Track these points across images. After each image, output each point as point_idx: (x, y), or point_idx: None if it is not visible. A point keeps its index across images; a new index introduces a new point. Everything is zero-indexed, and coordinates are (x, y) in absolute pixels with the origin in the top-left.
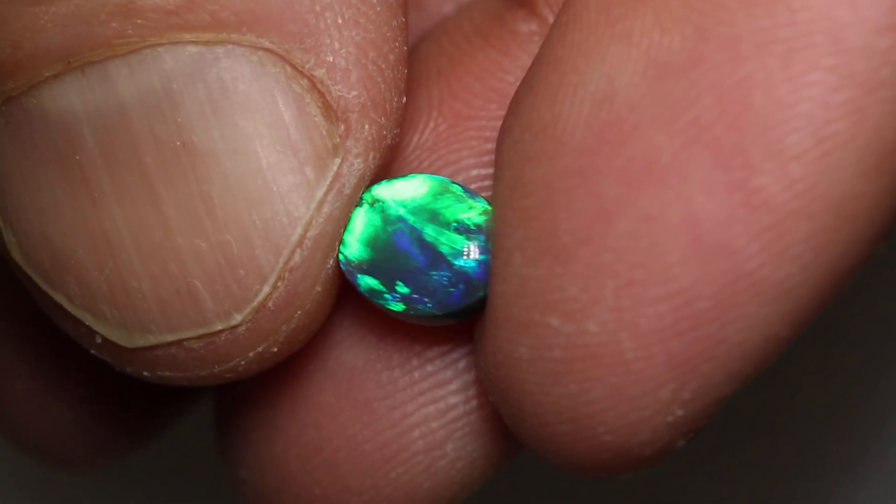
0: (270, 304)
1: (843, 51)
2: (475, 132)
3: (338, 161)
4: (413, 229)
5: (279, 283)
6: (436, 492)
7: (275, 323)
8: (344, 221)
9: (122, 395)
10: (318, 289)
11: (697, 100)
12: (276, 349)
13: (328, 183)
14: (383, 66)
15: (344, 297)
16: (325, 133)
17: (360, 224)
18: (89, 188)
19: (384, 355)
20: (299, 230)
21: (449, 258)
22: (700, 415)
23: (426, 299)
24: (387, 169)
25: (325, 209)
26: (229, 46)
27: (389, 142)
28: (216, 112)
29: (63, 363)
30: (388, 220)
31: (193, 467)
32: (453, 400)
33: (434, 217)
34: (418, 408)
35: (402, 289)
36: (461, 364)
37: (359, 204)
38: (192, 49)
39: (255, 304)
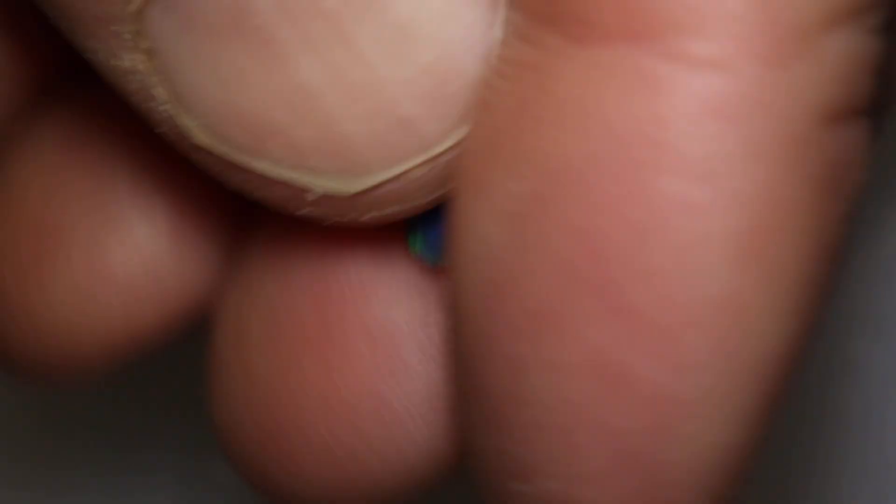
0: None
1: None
2: None
3: None
4: None
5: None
6: None
7: None
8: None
9: (108, 300)
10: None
11: (553, 240)
12: None
13: None
14: None
15: (390, 254)
16: None
17: None
18: (275, 49)
19: (426, 316)
20: (498, 33)
21: None
22: None
23: None
24: None
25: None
26: None
27: None
28: None
29: (54, 246)
30: None
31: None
32: None
33: None
34: None
35: None
36: None
37: None
38: None
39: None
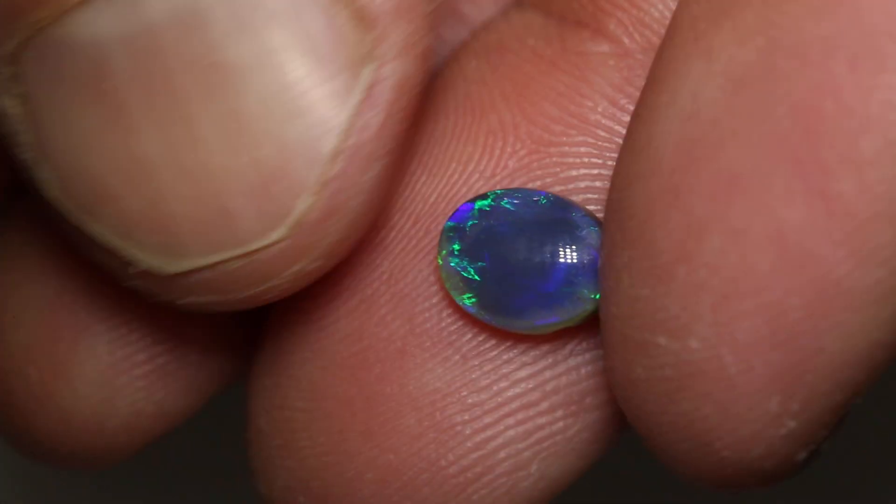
0: (309, 217)
1: None
2: (558, 158)
3: (371, 68)
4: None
5: (317, 197)
6: None
7: (314, 237)
8: (384, 131)
9: (134, 379)
10: (358, 200)
11: (773, 110)
12: (315, 265)
13: (362, 91)
14: None
15: (425, 318)
16: (355, 41)
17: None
18: (123, 114)
19: (470, 377)
20: (335, 141)
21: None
22: (815, 426)
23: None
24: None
25: (362, 118)
26: None
27: (423, 49)
28: (246, 27)
29: (77, 345)
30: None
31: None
32: (541, 421)
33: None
34: (505, 430)
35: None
36: (549, 386)
37: None
38: None
39: (293, 219)
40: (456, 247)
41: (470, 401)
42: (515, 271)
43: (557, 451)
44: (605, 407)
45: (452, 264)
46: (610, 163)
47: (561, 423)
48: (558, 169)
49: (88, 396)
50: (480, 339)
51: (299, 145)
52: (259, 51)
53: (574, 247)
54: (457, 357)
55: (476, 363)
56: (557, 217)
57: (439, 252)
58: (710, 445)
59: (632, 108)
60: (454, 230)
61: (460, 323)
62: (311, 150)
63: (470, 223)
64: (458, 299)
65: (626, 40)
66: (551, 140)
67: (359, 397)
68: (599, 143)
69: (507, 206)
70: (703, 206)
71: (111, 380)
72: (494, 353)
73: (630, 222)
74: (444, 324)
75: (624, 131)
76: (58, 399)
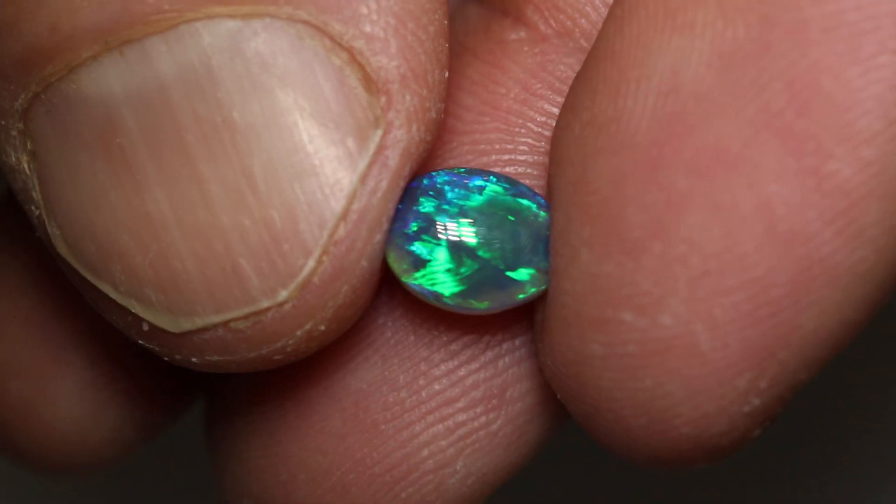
0: (316, 279)
1: None
2: (469, 146)
3: (380, 132)
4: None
5: (324, 258)
6: None
7: (321, 298)
8: (392, 195)
9: (115, 394)
10: (365, 264)
11: (766, 87)
12: (323, 327)
13: (371, 155)
14: (423, 38)
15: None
16: (365, 105)
17: None
18: (131, 171)
19: (390, 376)
20: (343, 202)
21: None
22: (776, 403)
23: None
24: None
25: (370, 181)
26: (267, 20)
27: (434, 115)
28: (256, 87)
29: (59, 360)
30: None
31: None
32: (461, 417)
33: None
34: (427, 427)
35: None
36: (468, 381)
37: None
38: (229, 24)
39: (300, 279)
40: (410, 229)
41: (390, 399)
42: (473, 252)
43: (482, 447)
44: (527, 397)
45: (406, 246)
46: (523, 147)
47: (483, 418)
48: (470, 157)
49: (70, 412)
50: (399, 337)
51: (307, 206)
52: (269, 110)
53: (528, 226)
54: (376, 357)
55: (395, 362)
56: (509, 195)
57: (389, 235)
58: (669, 422)
59: (546, 93)
60: (403, 212)
61: (379, 322)
62: (319, 211)
63: (421, 205)
64: (410, 280)
65: (541, 26)
66: (464, 129)
67: (289, 401)
68: (511, 128)
69: (456, 184)
70: (684, 181)
71: (92, 396)
72: (412, 350)
73: (592, 197)
74: (362, 324)
75: (538, 116)
76: (40, 414)
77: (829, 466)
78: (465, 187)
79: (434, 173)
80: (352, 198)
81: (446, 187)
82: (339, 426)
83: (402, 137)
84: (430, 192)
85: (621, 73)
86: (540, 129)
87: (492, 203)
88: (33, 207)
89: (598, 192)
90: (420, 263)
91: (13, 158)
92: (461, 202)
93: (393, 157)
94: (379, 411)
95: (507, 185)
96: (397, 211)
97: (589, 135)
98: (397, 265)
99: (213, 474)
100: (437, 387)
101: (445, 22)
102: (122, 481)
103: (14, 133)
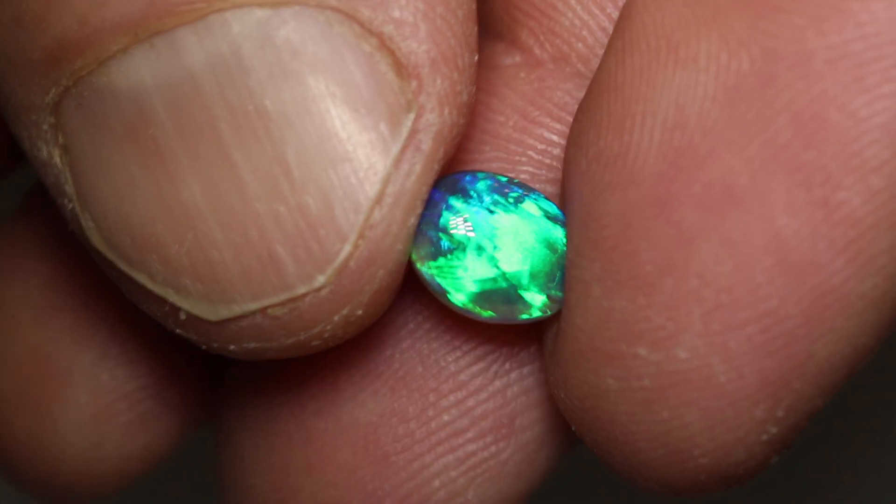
0: (352, 263)
1: None
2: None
3: (412, 116)
4: None
5: (360, 242)
6: None
7: (358, 283)
8: (425, 179)
9: (118, 426)
10: (400, 247)
11: (772, 120)
12: (360, 311)
13: (404, 139)
14: (452, 21)
15: (351, 346)
16: (397, 89)
17: None
18: (165, 162)
19: (399, 408)
20: (378, 186)
21: None
22: (792, 430)
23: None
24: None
25: (404, 165)
26: (296, 7)
27: (465, 98)
28: (287, 75)
29: (61, 394)
30: None
31: None
32: (471, 447)
33: None
34: (437, 458)
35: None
36: (477, 411)
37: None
38: (258, 12)
39: (336, 264)
40: (443, 219)
41: (400, 431)
42: (495, 262)
43: (492, 476)
44: (536, 426)
45: (429, 232)
46: (524, 176)
47: (493, 448)
48: None
49: (75, 444)
50: (407, 368)
51: (342, 191)
52: (301, 97)
53: (551, 255)
54: (385, 389)
55: (404, 393)
56: (544, 219)
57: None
58: (687, 453)
59: (545, 120)
60: (436, 202)
61: (387, 354)
62: (354, 196)
63: (458, 200)
64: (424, 267)
65: (536, 50)
66: (464, 157)
67: (298, 433)
68: (512, 157)
69: (489, 192)
70: (693, 216)
71: (96, 427)
72: (421, 381)
73: (603, 232)
74: (370, 356)
75: (538, 144)
76: (44, 447)
77: (835, 484)
78: (505, 196)
79: (478, 173)
80: (386, 182)
81: (486, 190)
82: (350, 459)
83: (434, 121)
84: (470, 190)
85: (626, 107)
86: (540, 157)
87: (526, 219)
88: (66, 201)
89: (608, 227)
90: (439, 254)
91: (45, 153)
92: (496, 209)
93: (426, 141)
94: (389, 443)
95: (544, 207)
96: (431, 197)
97: (596, 170)
98: (416, 250)
99: None
100: (446, 417)
101: (474, 6)
102: None
103: (45, 127)
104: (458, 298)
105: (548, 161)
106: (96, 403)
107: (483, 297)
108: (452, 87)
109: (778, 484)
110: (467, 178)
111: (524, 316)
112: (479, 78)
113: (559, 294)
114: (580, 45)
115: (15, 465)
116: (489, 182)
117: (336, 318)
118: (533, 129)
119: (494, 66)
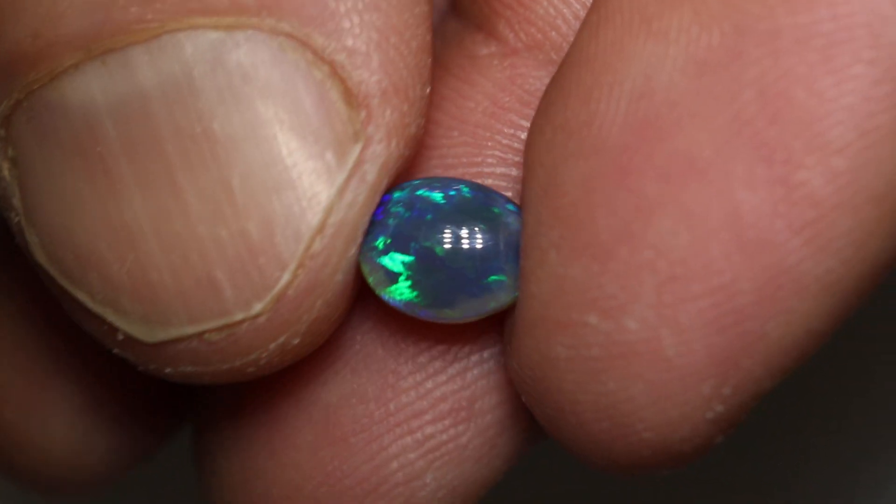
0: (291, 291)
1: (883, 44)
2: (437, 160)
3: (359, 147)
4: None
5: (299, 271)
6: None
7: (295, 312)
8: (367, 209)
9: (107, 418)
10: (339, 277)
11: (738, 95)
12: (297, 340)
13: (349, 168)
14: (405, 52)
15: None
16: (345, 119)
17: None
18: (111, 179)
19: (359, 389)
20: (320, 216)
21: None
22: (739, 410)
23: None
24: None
25: (348, 195)
26: (249, 32)
27: (414, 131)
28: (236, 98)
29: (48, 386)
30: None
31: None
32: (429, 430)
33: None
34: (395, 439)
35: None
36: (435, 394)
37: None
38: (212, 35)
39: (275, 292)
40: (379, 243)
41: (360, 412)
42: (443, 262)
43: (452, 459)
44: (496, 409)
45: (378, 259)
46: (490, 160)
47: (451, 430)
48: (438, 170)
49: (62, 437)
50: (368, 350)
51: (284, 218)
52: (249, 122)
53: (499, 233)
54: (346, 370)
55: (364, 375)
56: (480, 204)
57: (361, 248)
58: (631, 427)
59: (516, 105)
60: (374, 225)
61: (348, 335)
62: (296, 224)
63: (391, 217)
64: (384, 293)
65: (512, 40)
66: (432, 143)
67: (264, 417)
68: (479, 141)
69: (425, 195)
70: (654, 186)
71: (83, 420)
72: (381, 363)
73: (563, 199)
74: (332, 337)
75: (506, 128)
76: (33, 440)
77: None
78: (435, 197)
79: (406, 184)
80: (329, 211)
81: (415, 198)
82: (311, 440)
83: (381, 152)
84: (401, 204)
85: (595, 77)
86: (508, 142)
87: (462, 211)
88: (13, 215)
89: (568, 195)
90: (392, 276)
91: None
92: (430, 212)
93: (371, 172)
94: (349, 424)
95: (477, 193)
96: (370, 223)
97: (560, 139)
98: (371, 278)
99: (200, 492)
100: (404, 399)
101: (429, 37)
102: (118, 499)
103: None
104: (425, 310)
105: (515, 145)
106: (85, 395)
107: (446, 300)
108: (402, 118)
109: (730, 469)
110: (395, 194)
111: (492, 304)
112: (455, 66)
113: (517, 273)
114: (554, 33)
115: (3, 457)
116: (417, 190)
117: (272, 345)
118: (502, 115)
119: (470, 56)
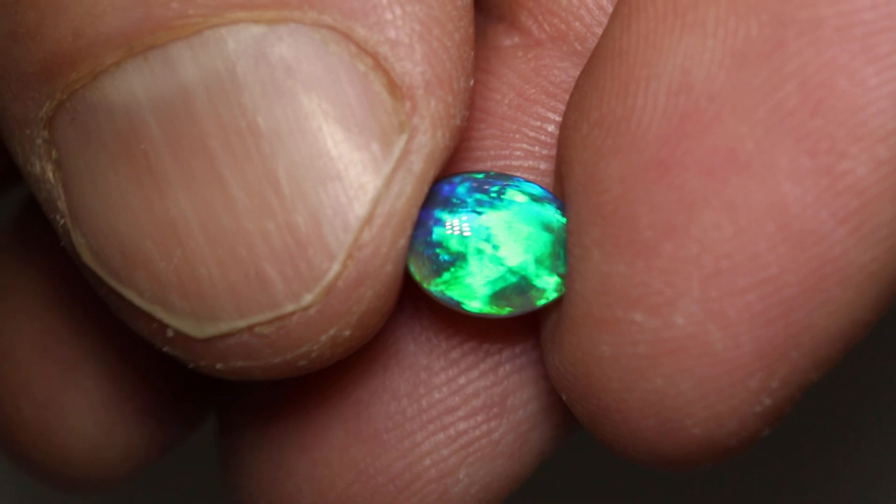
0: (340, 283)
1: None
2: (465, 153)
3: (404, 137)
4: None
5: (349, 262)
6: None
7: (345, 303)
8: (416, 200)
9: (127, 413)
10: (389, 269)
11: (779, 86)
12: (348, 332)
13: (396, 159)
14: (448, 44)
15: None
16: (390, 110)
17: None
18: (155, 177)
19: (390, 385)
20: (367, 206)
21: None
22: (786, 403)
23: None
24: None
25: (395, 186)
26: (292, 25)
27: (458, 122)
28: (280, 92)
29: (69, 380)
30: None
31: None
32: (462, 426)
33: None
34: (428, 436)
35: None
36: (468, 390)
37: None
38: (254, 29)
39: (324, 283)
40: (434, 234)
41: (391, 408)
42: (494, 259)
43: (484, 455)
44: (529, 405)
45: (426, 252)
46: (518, 153)
47: (484, 426)
48: (466, 164)
49: (82, 431)
50: (399, 346)
51: (332, 210)
52: (293, 115)
53: (548, 233)
54: (377, 366)
55: (396, 371)
56: (532, 202)
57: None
58: (679, 423)
59: (541, 97)
60: (426, 219)
61: (380, 330)
62: (344, 215)
63: (444, 211)
64: (431, 286)
65: (535, 30)
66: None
67: (294, 413)
68: (506, 134)
69: (470, 193)
70: (696, 180)
71: (103, 415)
72: (412, 359)
73: (603, 196)
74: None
75: (532, 121)
76: (53, 434)
77: (833, 468)
78: (486, 192)
79: (454, 178)
80: (376, 202)
81: (466, 192)
82: (342, 437)
83: (426, 143)
84: (452, 198)
85: (630, 71)
86: (535, 134)
87: (513, 208)
88: (58, 217)
89: (609, 191)
90: (441, 270)
91: (38, 168)
92: (482, 208)
93: (417, 162)
94: (380, 421)
95: (528, 191)
96: (419, 216)
97: (598, 135)
98: (418, 272)
99: (225, 489)
100: (437, 395)
101: (471, 30)
102: (136, 495)
103: (39, 142)
104: (474, 306)
105: (542, 137)
106: (104, 390)
107: (497, 296)
108: (446, 109)
109: (771, 462)
110: (445, 187)
111: (540, 302)
112: (479, 58)
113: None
114: (577, 24)
115: (23, 452)
116: (467, 184)
117: (323, 338)
118: (528, 107)
119: (494, 48)
